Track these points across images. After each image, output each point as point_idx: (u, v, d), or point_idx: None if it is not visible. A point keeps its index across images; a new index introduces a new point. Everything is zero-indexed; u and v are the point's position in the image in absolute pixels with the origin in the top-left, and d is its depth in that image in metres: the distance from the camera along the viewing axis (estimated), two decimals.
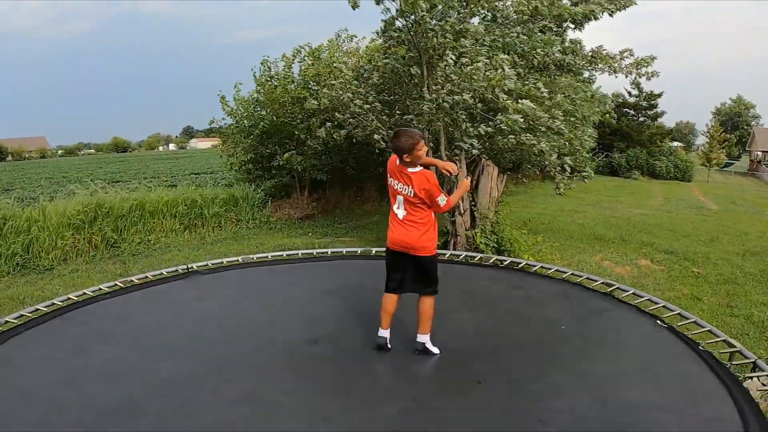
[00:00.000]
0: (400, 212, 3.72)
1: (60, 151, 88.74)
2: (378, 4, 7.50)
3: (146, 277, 4.85)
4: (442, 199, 3.59)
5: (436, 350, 3.82)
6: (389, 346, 3.79)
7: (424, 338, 3.79)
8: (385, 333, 3.83)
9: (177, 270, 5.09)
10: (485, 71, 6.55)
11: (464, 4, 7.68)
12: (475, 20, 7.99)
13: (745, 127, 64.25)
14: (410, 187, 3.61)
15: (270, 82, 12.37)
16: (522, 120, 6.23)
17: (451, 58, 6.68)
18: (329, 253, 5.64)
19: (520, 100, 6.27)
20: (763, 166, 50.17)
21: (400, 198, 3.70)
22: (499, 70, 6.44)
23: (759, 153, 52.93)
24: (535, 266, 5.04)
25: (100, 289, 4.53)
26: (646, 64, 8.20)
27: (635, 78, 8.30)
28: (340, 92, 8.32)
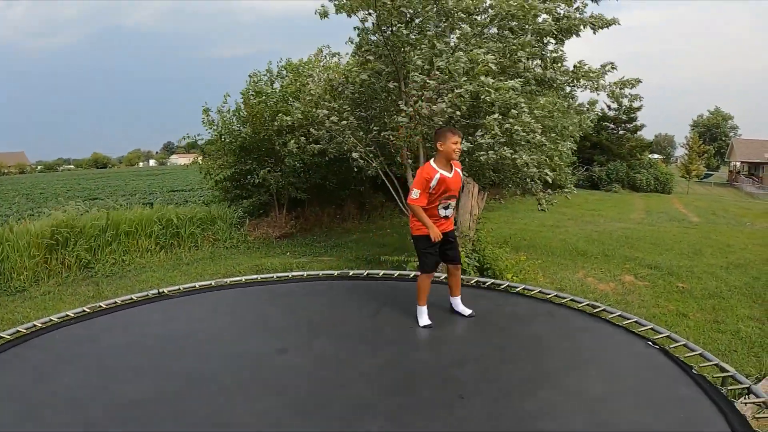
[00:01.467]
0: None
1: (39, 167, 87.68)
2: (350, 16, 7.37)
3: (115, 302, 4.60)
4: (414, 192, 3.69)
5: (423, 322, 3.86)
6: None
7: (418, 308, 3.92)
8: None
9: (147, 294, 4.84)
10: (465, 60, 6.50)
11: (444, 18, 7.58)
12: (453, 37, 7.90)
13: (724, 138, 65.28)
14: None
15: (256, 98, 12.18)
16: (499, 122, 6.13)
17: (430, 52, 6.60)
18: (305, 275, 5.43)
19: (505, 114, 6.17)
20: (742, 176, 50.88)
21: None
22: (481, 58, 6.42)
23: (738, 163, 53.68)
24: (518, 287, 4.87)
25: (67, 315, 4.29)
26: (630, 86, 8.11)
27: (618, 96, 8.22)
28: (313, 108, 8.19)
